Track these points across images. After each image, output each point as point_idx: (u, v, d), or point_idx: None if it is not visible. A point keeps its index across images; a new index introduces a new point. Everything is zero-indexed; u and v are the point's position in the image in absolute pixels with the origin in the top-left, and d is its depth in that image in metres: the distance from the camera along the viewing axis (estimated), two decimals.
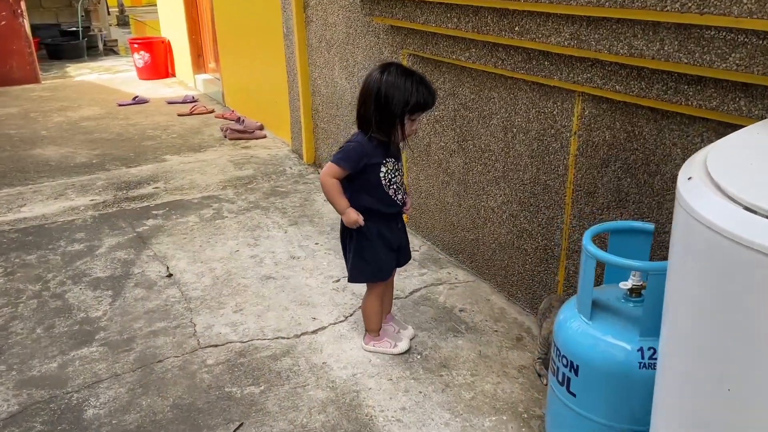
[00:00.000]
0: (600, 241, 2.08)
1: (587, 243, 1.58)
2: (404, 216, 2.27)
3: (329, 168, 2.06)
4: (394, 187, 2.13)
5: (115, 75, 8.43)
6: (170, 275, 2.95)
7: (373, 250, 2.17)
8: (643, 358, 1.51)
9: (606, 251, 1.77)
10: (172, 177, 4.23)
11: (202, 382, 2.21)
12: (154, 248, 3.23)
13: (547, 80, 2.23)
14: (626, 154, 2.03)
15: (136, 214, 3.65)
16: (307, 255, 3.13)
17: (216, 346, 2.42)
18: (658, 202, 1.96)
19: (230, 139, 5.00)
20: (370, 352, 2.35)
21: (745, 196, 1.02)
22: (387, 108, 1.98)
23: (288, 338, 2.46)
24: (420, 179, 3.22)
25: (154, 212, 3.68)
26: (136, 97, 6.46)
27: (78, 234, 3.40)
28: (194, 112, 5.87)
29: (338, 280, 2.87)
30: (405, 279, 2.88)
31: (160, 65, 7.77)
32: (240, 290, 2.81)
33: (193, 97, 6.47)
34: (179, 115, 5.84)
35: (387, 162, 2.09)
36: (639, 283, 1.60)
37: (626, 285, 1.61)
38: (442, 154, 2.99)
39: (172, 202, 3.82)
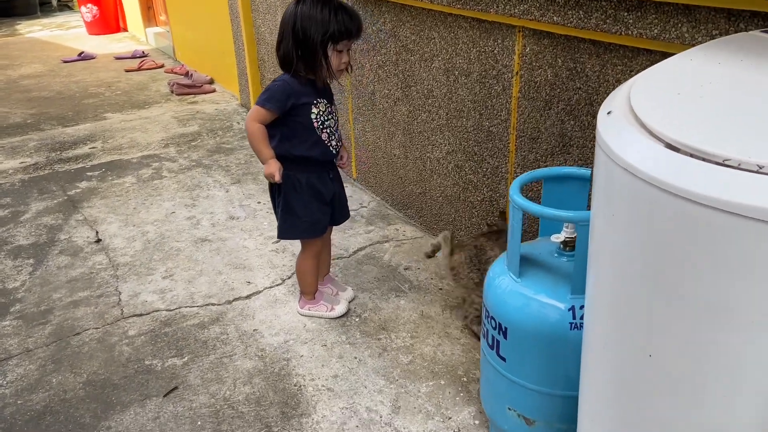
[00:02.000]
0: (534, 194, 1.92)
1: (514, 193, 1.41)
2: (341, 165, 2.08)
3: (254, 112, 1.87)
4: (328, 131, 1.95)
5: (67, 31, 8.02)
6: (99, 240, 2.76)
7: (303, 203, 1.99)
8: (574, 318, 1.37)
9: (540, 202, 1.61)
10: (111, 136, 3.98)
11: (121, 355, 2.05)
12: (84, 212, 3.02)
13: (484, 14, 2.03)
14: (569, 93, 1.85)
15: (69, 177, 3.42)
16: (248, 215, 2.94)
17: (140, 315, 2.25)
18: (592, 142, 1.79)
19: (177, 94, 4.73)
20: (305, 316, 2.19)
21: (667, 131, 0.85)
22: (306, 41, 1.80)
23: (219, 304, 2.30)
24: (366, 131, 3.02)
25: (88, 174, 3.45)
26: (82, 53, 6.11)
27: (3, 199, 3.18)
28: (143, 68, 5.56)
29: (278, 241, 2.70)
30: (350, 237, 2.72)
31: (110, 19, 7.37)
32: (172, 254, 2.63)
33: (143, 52, 6.14)
34: (126, 71, 5.54)
35: (318, 102, 1.91)
36: (572, 236, 1.45)
37: (558, 238, 1.46)
38: (387, 102, 2.79)
39: (109, 162, 3.59)
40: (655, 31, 1.48)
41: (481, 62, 2.15)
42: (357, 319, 2.18)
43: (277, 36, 1.88)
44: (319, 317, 2.18)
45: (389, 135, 2.83)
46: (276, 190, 2.03)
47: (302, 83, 1.87)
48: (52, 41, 7.21)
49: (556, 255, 1.48)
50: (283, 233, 2.07)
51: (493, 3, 1.95)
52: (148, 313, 2.26)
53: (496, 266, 1.57)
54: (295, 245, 2.54)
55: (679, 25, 1.41)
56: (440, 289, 2.34)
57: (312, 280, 2.17)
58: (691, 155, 0.81)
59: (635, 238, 0.89)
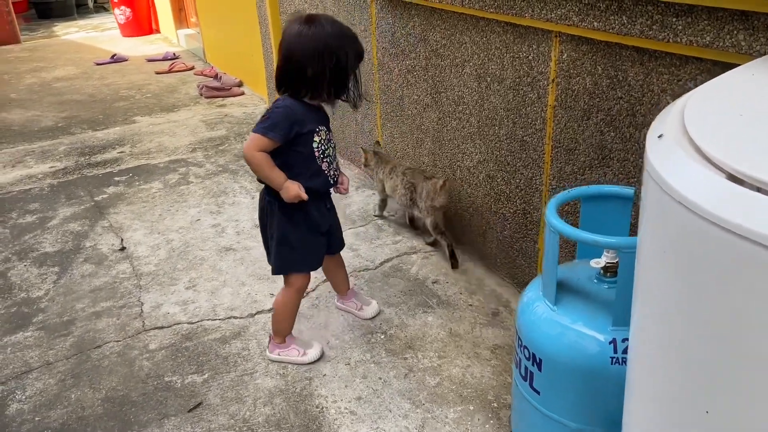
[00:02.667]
0: (572, 209, 1.81)
1: (550, 215, 1.31)
2: (342, 191, 1.92)
3: (254, 140, 1.68)
4: (327, 160, 1.81)
5: (102, 33, 8.11)
6: (123, 248, 2.73)
7: (300, 236, 1.84)
8: (616, 352, 1.26)
9: (578, 221, 1.50)
10: (139, 140, 3.97)
11: (141, 370, 2.00)
12: (110, 218, 3.00)
13: (518, 19, 1.92)
14: (609, 103, 1.73)
15: (97, 182, 3.41)
16: None
17: (162, 328, 2.20)
18: (641, 157, 1.67)
19: (206, 97, 4.71)
20: (274, 362, 2.00)
21: (730, 160, 0.75)
22: (339, 65, 1.66)
23: (241, 318, 2.24)
24: (395, 137, 2.94)
25: (116, 179, 3.44)
26: (115, 55, 6.16)
27: (32, 204, 3.18)
28: (173, 70, 5.57)
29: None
30: (377, 248, 2.64)
31: (142, 21, 7.42)
32: (196, 264, 2.58)
33: (174, 54, 6.15)
34: (157, 73, 5.55)
35: (320, 130, 1.77)
36: (614, 261, 1.34)
37: (598, 263, 1.35)
38: (416, 108, 2.70)
39: (136, 167, 3.57)
40: (708, 38, 1.36)
41: (515, 69, 2.05)
42: (383, 336, 2.10)
43: (280, 58, 1.69)
44: (290, 363, 1.99)
45: (418, 142, 2.74)
46: (268, 223, 1.87)
47: (305, 109, 1.72)
48: (86, 43, 7.29)
49: (595, 281, 1.38)
50: (280, 268, 1.90)
51: (528, 7, 1.85)
52: (170, 326, 2.21)
53: (530, 291, 1.47)
54: None
55: (735, 32, 1.29)
56: (470, 305, 2.24)
57: (290, 320, 2.00)
58: (759, 189, 0.71)
59: (692, 280, 0.79)
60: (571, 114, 1.88)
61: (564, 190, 1.48)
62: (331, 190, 1.90)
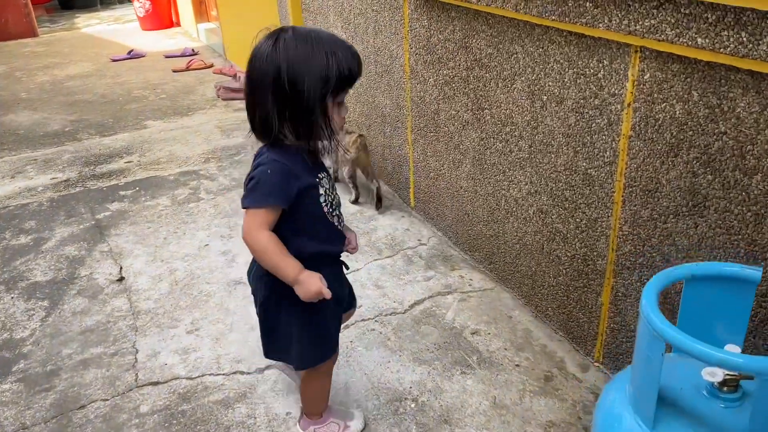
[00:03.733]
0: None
1: (649, 307, 0.96)
2: (350, 251, 1.52)
3: (251, 218, 1.30)
4: (337, 213, 1.44)
5: (124, 25, 7.87)
6: (121, 279, 2.43)
7: (330, 314, 1.49)
8: None
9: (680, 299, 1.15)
10: (149, 148, 3.68)
11: None
12: (111, 241, 2.70)
13: (589, 29, 1.55)
14: (707, 139, 1.37)
15: (101, 196, 3.12)
16: None
17: (157, 384, 1.90)
18: (757, 214, 1.30)
19: (223, 99, 4.41)
20: None
21: None
22: (298, 97, 1.22)
23: (249, 373, 1.92)
24: (428, 155, 2.59)
25: (121, 193, 3.14)
26: (132, 51, 5.88)
27: (28, 222, 2.90)
28: (191, 68, 5.27)
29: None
30: (406, 285, 2.30)
31: (163, 14, 7.15)
32: (201, 301, 2.27)
33: (192, 50, 5.86)
34: (174, 71, 5.26)
35: (322, 179, 1.37)
36: (735, 374, 0.99)
37: (713, 375, 1.00)
38: (453, 125, 2.35)
39: (144, 179, 3.28)
40: None
41: (579, 87, 1.69)
42: (413, 405, 1.77)
43: (245, 91, 1.30)
44: None
45: (455, 163, 2.39)
46: (274, 307, 1.46)
47: (294, 155, 1.30)
48: (104, 37, 7.04)
49: (706, 395, 1.02)
50: (308, 360, 1.51)
51: (604, 15, 1.48)
52: (166, 382, 1.90)
53: (612, 391, 1.12)
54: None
55: None
56: (517, 365, 1.89)
57: (325, 400, 1.66)
58: None
59: None
60: (652, 148, 1.51)
61: (666, 267, 1.09)
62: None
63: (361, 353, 1.97)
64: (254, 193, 1.29)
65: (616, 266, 1.73)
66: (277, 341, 1.50)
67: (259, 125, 1.29)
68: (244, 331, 2.10)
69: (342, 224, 1.46)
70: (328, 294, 1.32)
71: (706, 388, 1.02)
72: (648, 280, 1.66)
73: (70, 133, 3.98)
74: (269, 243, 1.30)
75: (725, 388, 0.99)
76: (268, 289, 1.44)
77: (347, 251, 1.50)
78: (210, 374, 1.93)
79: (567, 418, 1.69)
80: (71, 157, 3.61)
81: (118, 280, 2.43)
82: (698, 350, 0.88)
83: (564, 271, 1.93)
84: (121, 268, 2.51)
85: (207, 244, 2.64)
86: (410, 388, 1.83)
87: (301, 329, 1.45)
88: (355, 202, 2.91)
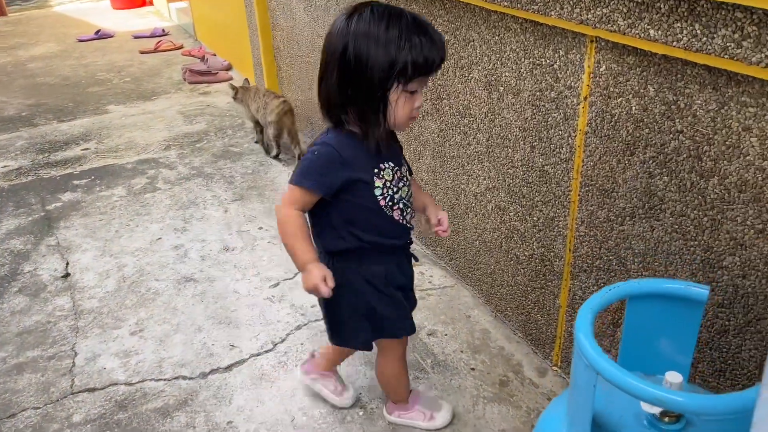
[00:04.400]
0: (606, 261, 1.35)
1: (583, 333, 0.87)
2: (440, 233, 1.40)
3: (287, 194, 1.26)
4: (400, 206, 1.32)
5: (97, 4, 7.62)
6: (67, 275, 2.32)
7: (385, 301, 1.40)
8: None
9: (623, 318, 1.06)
10: (108, 135, 3.53)
11: None
12: (59, 234, 2.58)
13: (542, 17, 1.45)
14: (664, 137, 1.27)
15: (53, 186, 2.99)
16: (245, 245, 2.45)
17: (93, 390, 1.80)
18: (713, 219, 1.22)
19: (190, 82, 4.25)
20: (393, 423, 1.64)
21: None
22: (361, 78, 1.14)
23: (191, 378, 1.83)
24: None
25: (75, 182, 3.01)
26: (99, 30, 5.69)
27: None
28: (159, 49, 5.10)
29: (277, 284, 2.21)
30: None
31: None
32: (148, 300, 2.17)
33: (163, 30, 5.67)
34: (141, 52, 5.08)
35: (382, 170, 1.27)
36: None
37: (653, 407, 0.91)
38: None
39: (100, 168, 3.15)
40: None
41: (536, 79, 1.58)
42: (361, 413, 1.68)
43: (319, 65, 1.22)
44: (413, 427, 1.62)
45: (416, 155, 2.28)
46: (341, 296, 1.35)
47: (356, 145, 1.23)
48: (75, 16, 6.81)
49: (646, 425, 0.94)
50: (332, 337, 1.50)
51: (556, 3, 1.38)
52: (103, 388, 1.81)
53: (552, 411, 1.04)
54: (299, 295, 2.06)
55: None
56: (472, 369, 1.81)
57: (401, 385, 1.60)
58: None
59: None
60: (608, 145, 1.42)
61: (602, 288, 0.99)
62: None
63: None
64: (298, 171, 1.25)
65: (573, 268, 1.64)
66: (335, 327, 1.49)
67: (324, 104, 1.22)
68: (191, 333, 2.00)
69: (408, 216, 1.36)
70: (325, 293, 1.24)
71: (646, 417, 0.94)
72: (606, 283, 1.59)
73: (27, 118, 3.83)
74: (290, 221, 1.25)
75: (666, 419, 0.91)
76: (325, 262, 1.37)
77: (438, 234, 1.40)
78: (150, 379, 1.83)
79: (520, 427, 1.62)
80: (25, 143, 3.46)
81: (63, 277, 2.31)
82: (631, 386, 0.80)
83: (522, 270, 1.85)
84: (67, 263, 2.39)
85: (160, 238, 2.53)
86: (360, 394, 1.74)
87: (365, 313, 1.40)
88: (276, 157, 3.20)
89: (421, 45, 1.12)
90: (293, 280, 2.22)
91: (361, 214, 1.29)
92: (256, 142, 3.34)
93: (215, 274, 2.28)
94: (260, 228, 2.56)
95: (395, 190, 1.30)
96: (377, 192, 1.27)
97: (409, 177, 1.36)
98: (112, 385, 1.82)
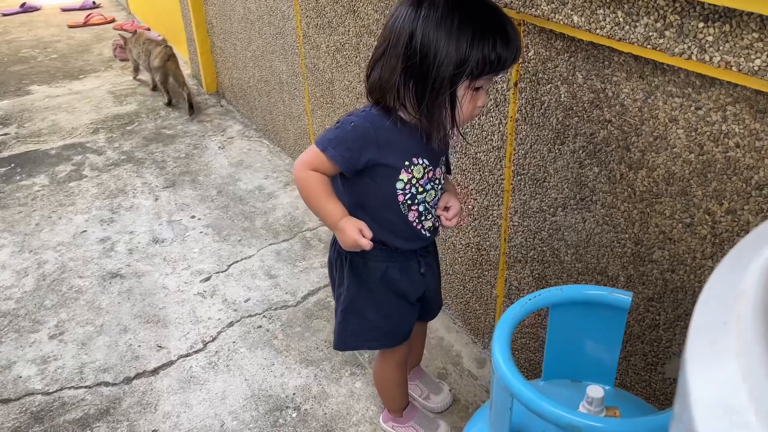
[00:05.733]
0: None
1: (500, 351, 0.81)
2: (446, 224, 1.27)
3: (308, 155, 1.15)
4: (420, 208, 1.21)
5: None
6: None
7: (376, 303, 1.31)
8: None
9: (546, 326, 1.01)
10: (30, 118, 3.32)
11: None
12: None
13: None
14: (593, 127, 1.22)
15: None
16: (176, 236, 2.34)
17: (8, 401, 1.69)
18: (643, 212, 1.17)
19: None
20: None
21: None
22: (427, 70, 1.04)
23: (114, 384, 1.73)
24: (326, 127, 2.38)
25: None
26: (24, 3, 5.35)
27: None
28: (89, 23, 4.82)
29: (208, 278, 2.11)
30: (301, 273, 2.13)
31: None
32: (69, 299, 2.05)
33: (93, 3, 5.37)
34: (70, 27, 4.80)
35: (414, 165, 1.16)
36: (599, 412, 0.86)
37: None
38: (348, 97, 2.14)
39: (21, 155, 2.96)
40: (758, 62, 0.84)
41: None
42: (294, 415, 1.62)
43: (375, 46, 1.12)
44: None
45: None
46: (337, 270, 1.32)
47: (398, 129, 1.13)
48: None
49: None
50: (343, 341, 1.38)
51: None
52: (18, 399, 1.69)
53: (479, 420, 0.99)
54: (232, 289, 1.98)
55: None
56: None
57: (398, 394, 1.51)
58: None
59: None
60: (539, 133, 1.36)
61: (527, 296, 0.93)
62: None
63: (243, 355, 1.80)
64: (326, 135, 1.14)
65: (508, 258, 1.59)
66: (336, 309, 1.39)
67: (375, 86, 1.11)
68: (115, 334, 1.90)
69: (428, 222, 1.25)
70: (365, 244, 1.13)
71: None
72: (540, 274, 1.55)
73: None
74: (311, 183, 1.15)
75: None
76: (334, 252, 1.33)
77: (443, 225, 1.27)
78: (70, 387, 1.72)
79: (458, 423, 1.58)
80: None
81: None
82: (545, 412, 0.74)
83: (459, 259, 1.79)
84: None
85: (84, 231, 2.39)
86: (293, 394, 1.68)
87: (344, 305, 1.32)
88: (169, 104, 3.41)
89: (495, 44, 1.02)
90: (226, 273, 2.12)
91: (375, 202, 1.20)
92: (153, 89, 3.58)
93: (143, 269, 2.17)
94: (192, 217, 2.45)
95: (420, 189, 1.19)
96: (399, 185, 1.17)
97: (442, 181, 1.24)
98: (28, 395, 1.71)
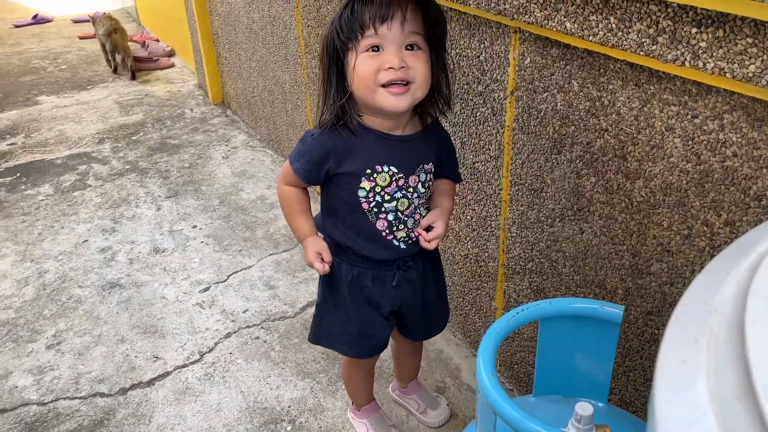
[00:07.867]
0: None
1: (485, 369, 0.78)
2: (423, 243, 1.20)
3: (283, 169, 1.21)
4: (389, 217, 1.18)
5: None
6: None
7: (342, 306, 1.29)
8: None
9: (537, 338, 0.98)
10: (37, 128, 3.35)
11: None
12: None
13: (463, 6, 1.35)
14: (589, 136, 1.19)
15: None
16: (177, 246, 2.33)
17: (3, 412, 1.68)
18: (640, 223, 1.14)
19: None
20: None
21: None
22: (331, 57, 1.08)
23: (109, 395, 1.72)
24: None
25: None
26: (36, 15, 5.41)
27: None
28: None
29: (207, 288, 2.10)
30: (300, 284, 2.11)
31: None
32: (69, 309, 2.04)
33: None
34: (80, 38, 4.85)
35: (378, 173, 1.13)
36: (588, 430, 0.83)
37: None
38: None
39: (27, 164, 2.97)
40: (752, 68, 0.82)
41: (462, 71, 1.49)
42: (289, 428, 1.59)
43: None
44: None
45: None
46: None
47: (357, 135, 1.12)
48: (12, 0, 6.50)
49: None
50: (316, 336, 1.38)
51: None
52: (13, 409, 1.68)
53: None
54: (230, 298, 1.97)
55: None
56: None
57: (359, 391, 1.53)
58: None
59: None
60: (536, 143, 1.33)
61: (521, 309, 0.90)
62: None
63: (239, 367, 1.78)
64: (295, 147, 1.18)
65: (506, 270, 1.56)
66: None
67: (327, 105, 1.14)
68: (112, 344, 1.89)
69: (400, 232, 1.20)
70: (321, 269, 1.19)
71: None
72: (538, 287, 1.52)
73: None
74: (284, 198, 1.22)
75: None
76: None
77: (422, 245, 1.20)
78: (65, 398, 1.71)
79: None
80: None
81: None
82: (527, 430, 0.72)
83: (458, 270, 1.77)
84: None
85: (86, 240, 2.39)
86: (289, 407, 1.65)
87: (318, 301, 1.35)
88: (115, 71, 4.04)
89: (359, 3, 1.04)
90: (225, 284, 2.11)
91: (343, 209, 1.19)
92: (114, 71, 4.08)
93: (143, 279, 2.16)
94: (194, 227, 2.44)
95: (386, 198, 1.16)
96: (361, 193, 1.15)
97: (422, 190, 1.19)
98: (24, 405, 1.70)
